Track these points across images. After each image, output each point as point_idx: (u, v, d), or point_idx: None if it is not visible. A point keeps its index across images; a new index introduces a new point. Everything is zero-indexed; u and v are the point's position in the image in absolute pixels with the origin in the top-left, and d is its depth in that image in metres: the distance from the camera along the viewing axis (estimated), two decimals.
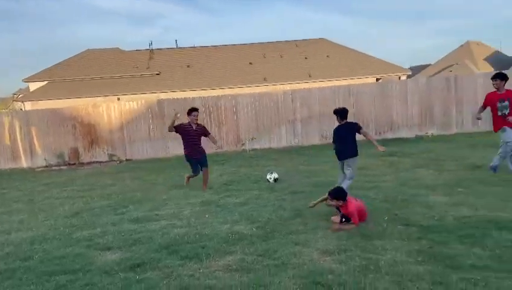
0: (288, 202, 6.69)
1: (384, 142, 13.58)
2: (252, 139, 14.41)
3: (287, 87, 18.42)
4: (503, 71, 8.46)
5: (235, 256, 4.50)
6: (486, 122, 10.35)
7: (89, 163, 14.71)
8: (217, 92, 16.19)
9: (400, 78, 24.01)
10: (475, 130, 14.05)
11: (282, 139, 14.81)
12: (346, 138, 6.75)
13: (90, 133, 14.81)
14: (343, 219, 5.31)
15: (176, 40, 47.72)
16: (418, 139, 13.83)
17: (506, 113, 7.37)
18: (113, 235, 5.45)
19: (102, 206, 7.39)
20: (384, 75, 24.24)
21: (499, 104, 7.46)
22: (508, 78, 7.64)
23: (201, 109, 14.66)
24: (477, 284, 3.47)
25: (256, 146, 14.58)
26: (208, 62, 26.03)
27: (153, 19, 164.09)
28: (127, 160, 14.80)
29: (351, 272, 3.90)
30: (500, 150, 7.52)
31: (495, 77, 7.57)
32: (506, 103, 7.39)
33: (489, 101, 7.65)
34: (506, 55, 54.43)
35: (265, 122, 14.82)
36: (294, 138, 14.73)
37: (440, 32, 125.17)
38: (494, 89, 7.61)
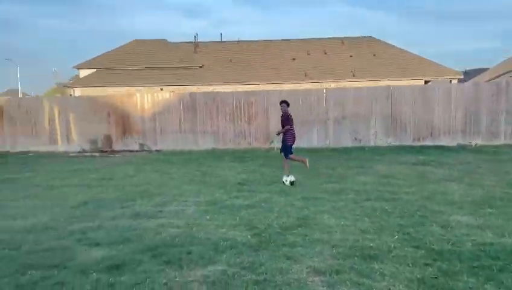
0: (297, 209, 6.29)
1: (423, 149, 12.71)
2: None
3: (332, 85, 17.69)
4: None
5: (218, 266, 4.21)
6: None
7: (120, 151, 15.00)
8: (260, 88, 15.89)
9: (451, 81, 22.50)
10: None
11: (313, 139, 14.27)
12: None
13: (123, 122, 15.08)
14: None
15: (221, 34, 47.98)
16: (460, 148, 12.78)
17: None
18: (107, 231, 5.34)
19: (111, 198, 7.37)
20: (434, 77, 22.81)
21: None
22: None
23: (232, 104, 14.51)
24: None
25: None
26: (250, 56, 25.84)
27: (200, 12, 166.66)
28: (156, 150, 14.93)
29: None
30: None
31: None
32: None
33: None
34: None
35: (297, 121, 14.29)
36: (326, 139, 14.14)
37: (498, 34, 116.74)
38: None
